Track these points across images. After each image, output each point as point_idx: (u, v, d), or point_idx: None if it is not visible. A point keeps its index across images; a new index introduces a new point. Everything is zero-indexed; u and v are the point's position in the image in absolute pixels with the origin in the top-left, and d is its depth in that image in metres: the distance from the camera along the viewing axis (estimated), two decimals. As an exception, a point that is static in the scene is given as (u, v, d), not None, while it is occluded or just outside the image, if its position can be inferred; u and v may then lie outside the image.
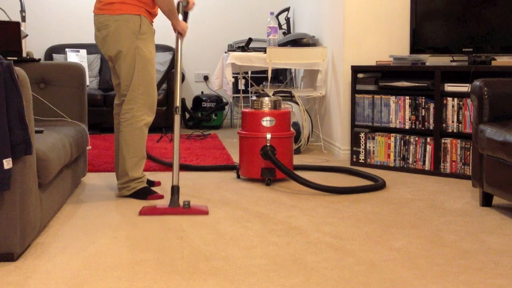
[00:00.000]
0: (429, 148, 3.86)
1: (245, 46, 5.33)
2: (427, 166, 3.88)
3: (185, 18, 3.43)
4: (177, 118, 3.10)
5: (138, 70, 3.17)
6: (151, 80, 3.21)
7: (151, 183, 3.51)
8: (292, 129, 3.81)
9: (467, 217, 2.85)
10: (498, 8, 3.81)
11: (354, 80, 4.20)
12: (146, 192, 3.24)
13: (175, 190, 2.98)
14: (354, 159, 4.21)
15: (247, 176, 3.69)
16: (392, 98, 4.03)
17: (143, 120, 3.21)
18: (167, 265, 2.18)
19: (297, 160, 4.35)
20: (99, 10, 3.22)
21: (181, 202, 2.98)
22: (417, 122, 3.92)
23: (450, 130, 3.78)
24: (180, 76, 3.20)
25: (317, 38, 5.27)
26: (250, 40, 5.45)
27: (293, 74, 6.31)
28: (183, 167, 4.05)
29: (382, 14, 4.44)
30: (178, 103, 3.12)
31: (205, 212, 2.90)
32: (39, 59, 3.68)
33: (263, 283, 2.01)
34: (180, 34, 3.30)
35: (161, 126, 6.04)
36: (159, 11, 3.32)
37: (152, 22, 3.29)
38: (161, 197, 3.24)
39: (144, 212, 2.89)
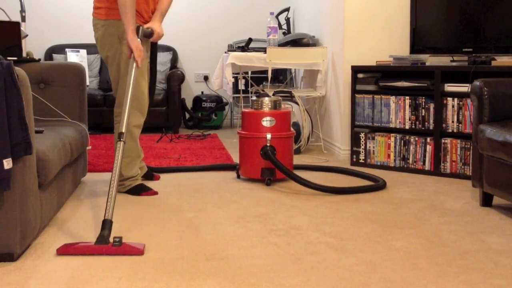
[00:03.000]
0: (429, 148, 3.86)
1: (245, 46, 5.33)
2: (427, 166, 3.88)
3: (153, 50, 3.32)
4: (121, 145, 2.69)
5: (124, 75, 3.21)
6: (137, 84, 3.18)
7: (150, 175, 3.63)
8: (292, 129, 3.81)
9: (467, 217, 2.85)
10: (498, 8, 3.81)
11: (354, 80, 4.20)
12: (141, 188, 3.34)
13: (106, 224, 2.43)
14: (354, 159, 4.21)
15: (247, 176, 3.69)
16: (392, 98, 4.03)
17: (132, 123, 3.24)
18: (167, 265, 2.18)
19: (297, 160, 4.35)
20: (93, 12, 3.35)
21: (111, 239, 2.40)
22: (417, 122, 3.92)
23: (450, 130, 3.78)
24: (129, 101, 2.85)
25: (317, 38, 5.27)
26: (250, 40, 5.45)
27: (293, 74, 6.31)
28: (184, 169, 4.04)
29: (382, 14, 4.44)
30: (124, 128, 2.75)
31: (140, 252, 2.31)
32: (39, 59, 3.68)
33: (263, 283, 2.01)
34: (131, 51, 3.04)
35: (161, 126, 6.05)
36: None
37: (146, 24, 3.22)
38: (156, 193, 3.33)
39: (61, 250, 2.32)
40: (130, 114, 3.07)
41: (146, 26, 3.18)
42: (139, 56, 3.01)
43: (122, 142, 2.70)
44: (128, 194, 3.32)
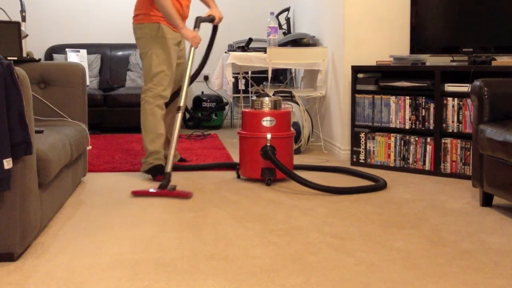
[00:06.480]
0: (429, 148, 3.86)
1: (245, 46, 5.33)
2: (427, 166, 3.88)
3: (213, 33, 3.99)
4: (179, 116, 3.62)
5: (154, 66, 3.81)
6: (164, 75, 3.84)
7: (182, 159, 4.30)
8: (292, 129, 3.80)
9: (467, 217, 2.85)
10: (498, 8, 3.80)
11: (354, 80, 4.20)
12: (159, 169, 3.73)
13: (166, 175, 3.43)
14: (354, 159, 4.21)
15: (247, 176, 3.69)
16: (392, 98, 4.03)
17: (154, 103, 3.82)
18: (167, 265, 2.18)
19: (297, 160, 4.34)
20: (133, 20, 3.91)
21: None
22: (417, 122, 3.92)
23: (450, 130, 3.78)
24: (188, 81, 3.78)
25: (317, 38, 5.27)
26: (250, 40, 5.45)
27: (293, 74, 6.31)
28: (184, 167, 4.05)
29: (382, 14, 4.44)
30: (182, 102, 3.66)
31: (188, 195, 3.27)
32: (39, 59, 3.67)
33: (263, 283, 2.01)
34: (189, 41, 3.81)
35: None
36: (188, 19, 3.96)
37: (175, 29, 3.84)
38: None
39: (136, 193, 3.33)
40: (152, 97, 3.80)
41: (207, 14, 3.91)
42: (195, 43, 3.77)
43: (180, 113, 3.63)
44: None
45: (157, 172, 3.74)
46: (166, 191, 3.32)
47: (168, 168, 3.45)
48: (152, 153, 3.79)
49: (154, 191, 3.32)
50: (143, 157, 3.88)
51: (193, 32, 3.77)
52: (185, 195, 3.27)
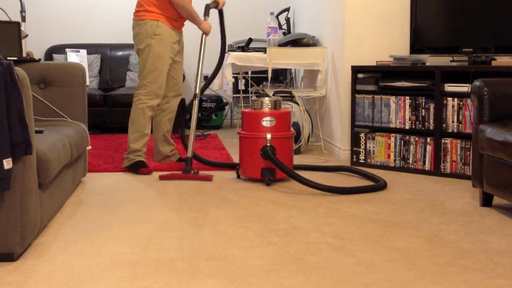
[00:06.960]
0: (429, 148, 3.86)
1: (245, 46, 5.32)
2: (427, 166, 3.88)
3: (221, 17, 4.20)
4: (195, 103, 3.94)
5: (149, 63, 3.91)
6: (159, 73, 3.94)
7: (181, 159, 4.27)
8: (292, 129, 3.80)
9: (467, 217, 2.85)
10: (498, 8, 3.80)
11: (354, 80, 4.20)
12: (141, 165, 3.93)
13: (188, 160, 3.79)
14: (354, 159, 4.21)
15: (247, 176, 3.69)
16: (392, 98, 4.03)
17: (147, 103, 3.93)
18: (167, 265, 2.18)
19: (297, 160, 4.35)
20: (133, 15, 4.01)
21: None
22: (417, 122, 3.92)
23: (450, 130, 3.78)
24: (202, 68, 4.01)
25: (317, 38, 5.27)
26: (250, 40, 5.44)
27: (293, 74, 6.31)
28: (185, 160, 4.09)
29: (382, 14, 4.44)
30: (197, 90, 3.95)
31: (209, 178, 3.67)
32: (39, 59, 3.67)
33: (263, 283, 2.01)
34: (204, 33, 4.11)
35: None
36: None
37: (176, 28, 4.01)
38: (151, 172, 3.91)
39: (163, 177, 3.70)
40: (146, 95, 3.91)
41: (211, 0, 4.12)
42: (208, 33, 4.12)
43: (196, 100, 3.94)
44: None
45: (138, 167, 3.90)
46: (190, 174, 3.71)
47: (189, 153, 3.82)
48: (133, 150, 3.94)
49: (179, 174, 3.70)
50: (125, 153, 4.04)
51: (208, 24, 4.09)
52: (207, 178, 3.67)
